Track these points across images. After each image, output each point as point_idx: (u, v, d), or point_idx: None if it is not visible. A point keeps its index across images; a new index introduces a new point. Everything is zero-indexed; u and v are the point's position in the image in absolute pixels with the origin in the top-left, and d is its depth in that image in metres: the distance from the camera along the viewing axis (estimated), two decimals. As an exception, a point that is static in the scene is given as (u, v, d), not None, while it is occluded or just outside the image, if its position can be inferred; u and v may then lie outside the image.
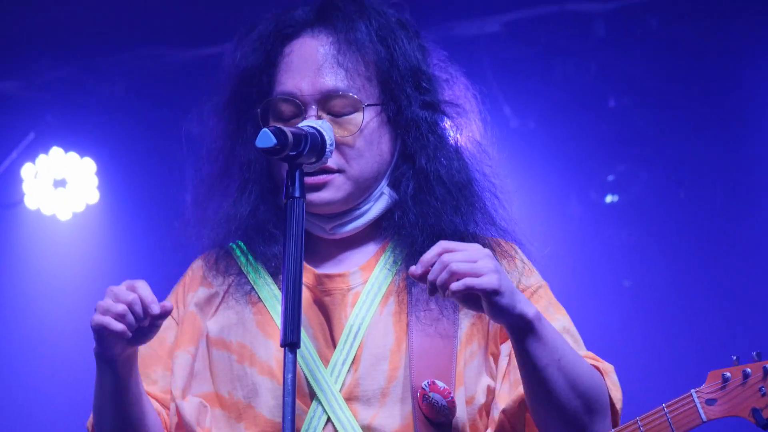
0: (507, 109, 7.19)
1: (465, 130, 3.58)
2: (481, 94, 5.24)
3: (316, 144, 3.23)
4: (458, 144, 3.55)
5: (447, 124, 3.55)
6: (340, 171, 3.44)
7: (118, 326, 3.22)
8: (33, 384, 7.82)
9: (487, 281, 3.08)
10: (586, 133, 7.30)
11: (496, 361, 3.47)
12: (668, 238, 7.29)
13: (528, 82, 7.26)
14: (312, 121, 3.34)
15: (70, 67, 7.62)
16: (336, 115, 3.44)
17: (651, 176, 7.32)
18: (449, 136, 3.55)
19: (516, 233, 3.52)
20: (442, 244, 3.16)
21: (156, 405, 3.48)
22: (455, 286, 3.09)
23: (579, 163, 7.38)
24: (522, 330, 3.21)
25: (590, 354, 3.52)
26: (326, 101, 3.41)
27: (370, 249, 3.56)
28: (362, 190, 3.50)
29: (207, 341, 3.60)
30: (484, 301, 3.13)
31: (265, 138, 3.10)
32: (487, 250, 3.16)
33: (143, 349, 3.55)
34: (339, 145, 3.42)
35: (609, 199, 7.39)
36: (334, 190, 3.44)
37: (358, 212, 3.51)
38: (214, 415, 3.54)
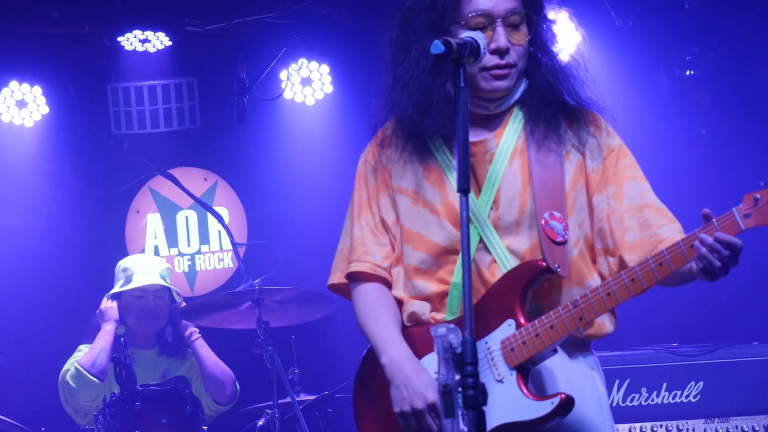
0: (612, 13, 8.54)
1: (569, 35, 4.21)
2: (592, 4, 6.60)
3: (473, 49, 3.73)
4: (558, 49, 4.13)
5: (557, 36, 4.15)
6: (513, 66, 4.01)
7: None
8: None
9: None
10: (670, 27, 8.70)
11: (590, 197, 4.06)
12: (730, 97, 8.70)
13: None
14: (471, 33, 3.80)
15: (307, 0, 8.87)
16: (513, 26, 4.01)
17: (717, 55, 8.72)
18: (555, 38, 4.13)
19: (601, 106, 4.12)
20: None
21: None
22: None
23: (665, 48, 8.79)
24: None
25: (666, 213, 4.05)
26: (508, 17, 3.98)
27: (499, 119, 4.11)
28: (518, 79, 4.10)
29: (391, 189, 4.16)
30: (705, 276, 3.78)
31: (436, 46, 3.65)
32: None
33: (371, 190, 4.24)
34: (514, 46, 3.99)
35: (688, 72, 8.79)
36: (510, 79, 4.02)
37: (510, 94, 4.09)
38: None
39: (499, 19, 3.96)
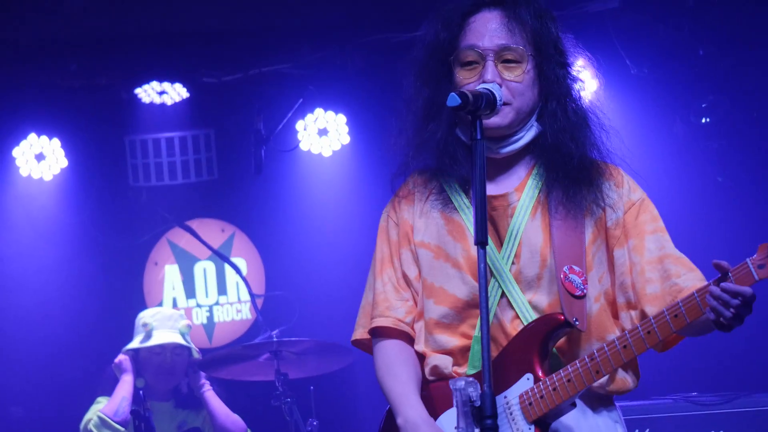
0: (627, 61, 8.52)
1: (586, 83, 4.02)
2: (606, 52, 6.42)
3: (489, 101, 3.76)
4: (579, 93, 4.05)
5: (576, 85, 4.07)
6: (507, 104, 3.92)
7: None
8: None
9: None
10: (685, 74, 8.63)
11: (610, 251, 4.03)
12: (746, 144, 8.63)
13: (641, 41, 8.50)
14: (486, 84, 3.83)
15: (323, 51, 8.98)
16: (507, 62, 3.95)
17: (732, 102, 8.64)
18: (574, 87, 4.05)
19: (620, 158, 4.10)
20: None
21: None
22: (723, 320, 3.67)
23: (681, 95, 8.72)
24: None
25: (685, 262, 4.02)
26: (501, 52, 3.93)
27: (521, 174, 4.07)
28: (520, 120, 3.98)
29: (414, 244, 4.14)
30: (719, 327, 3.73)
31: (452, 99, 3.65)
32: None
33: (393, 245, 4.20)
34: (508, 84, 3.93)
35: (704, 120, 8.74)
36: (502, 117, 3.92)
37: (515, 137, 4.01)
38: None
39: (491, 53, 3.94)
